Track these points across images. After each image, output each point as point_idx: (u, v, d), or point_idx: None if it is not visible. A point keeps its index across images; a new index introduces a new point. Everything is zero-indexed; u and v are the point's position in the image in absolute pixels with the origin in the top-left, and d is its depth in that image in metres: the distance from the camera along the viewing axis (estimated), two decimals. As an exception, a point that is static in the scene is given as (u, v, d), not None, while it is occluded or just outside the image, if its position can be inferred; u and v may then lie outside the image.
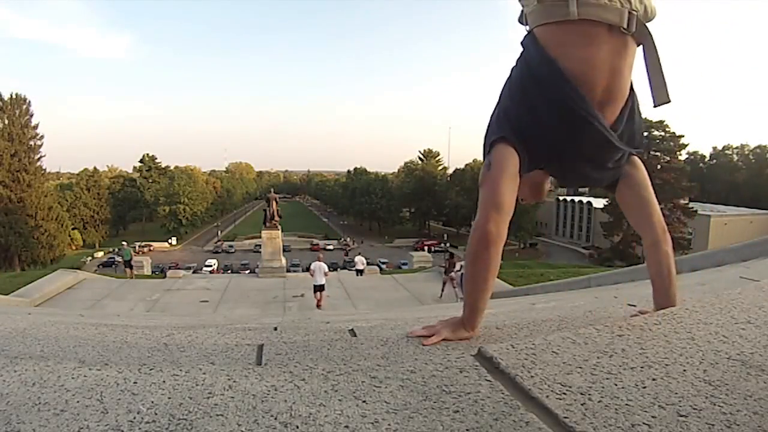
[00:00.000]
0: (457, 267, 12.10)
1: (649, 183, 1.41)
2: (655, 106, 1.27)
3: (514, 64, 1.31)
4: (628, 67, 1.22)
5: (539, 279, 12.08)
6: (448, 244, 51.89)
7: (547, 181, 1.51)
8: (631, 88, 1.27)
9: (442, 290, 12.62)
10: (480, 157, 1.40)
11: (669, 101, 1.24)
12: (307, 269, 13.69)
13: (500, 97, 1.33)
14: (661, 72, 1.25)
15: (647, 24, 1.21)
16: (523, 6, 1.28)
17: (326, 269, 12.06)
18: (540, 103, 1.22)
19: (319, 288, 11.68)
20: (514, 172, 1.24)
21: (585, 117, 1.19)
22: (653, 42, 1.21)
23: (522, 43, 1.29)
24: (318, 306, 11.49)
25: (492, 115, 1.34)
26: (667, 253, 1.40)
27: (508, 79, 1.32)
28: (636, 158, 1.39)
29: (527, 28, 1.27)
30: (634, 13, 1.16)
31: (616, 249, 43.59)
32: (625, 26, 1.15)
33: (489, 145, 1.29)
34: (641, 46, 1.23)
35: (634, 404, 0.83)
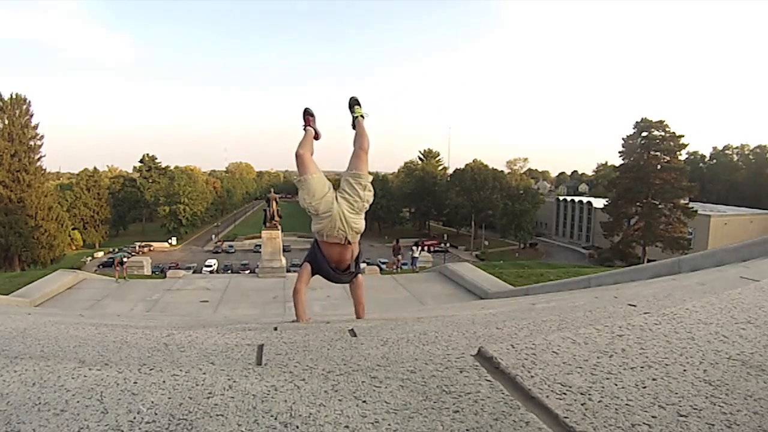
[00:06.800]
0: (416, 253, 17.88)
1: (357, 285, 3.30)
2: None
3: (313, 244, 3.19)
4: (349, 253, 3.04)
5: (539, 279, 12.07)
6: (448, 245, 51.93)
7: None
8: (359, 254, 3.18)
9: (393, 265, 17.97)
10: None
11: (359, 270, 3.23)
12: None
13: (310, 250, 3.19)
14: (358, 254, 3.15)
15: (358, 233, 3.06)
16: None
17: None
18: (320, 258, 3.07)
19: None
20: (309, 270, 3.10)
21: (328, 268, 3.06)
22: (351, 244, 3.02)
23: (311, 243, 3.20)
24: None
25: (308, 254, 3.19)
26: (358, 294, 3.31)
27: (311, 247, 3.18)
28: (359, 275, 3.27)
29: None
30: (348, 236, 2.96)
31: (616, 249, 43.59)
32: (342, 242, 2.97)
33: (303, 262, 3.17)
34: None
35: (634, 404, 0.83)
